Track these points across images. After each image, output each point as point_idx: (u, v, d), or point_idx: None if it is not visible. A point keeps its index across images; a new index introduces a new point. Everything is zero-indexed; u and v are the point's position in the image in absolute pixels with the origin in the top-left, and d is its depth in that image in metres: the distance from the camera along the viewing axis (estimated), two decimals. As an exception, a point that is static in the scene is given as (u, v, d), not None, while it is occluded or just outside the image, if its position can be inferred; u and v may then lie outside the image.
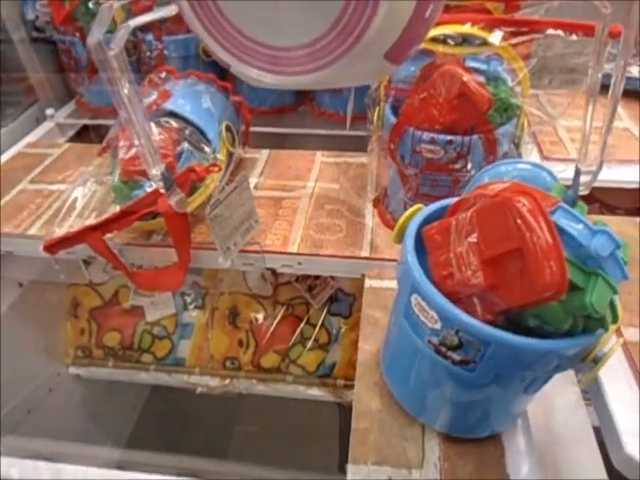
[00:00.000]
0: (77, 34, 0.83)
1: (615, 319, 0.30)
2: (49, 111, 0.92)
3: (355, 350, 0.49)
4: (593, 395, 0.37)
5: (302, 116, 0.90)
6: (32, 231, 0.64)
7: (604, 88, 0.82)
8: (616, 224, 0.49)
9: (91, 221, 0.61)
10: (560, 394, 0.61)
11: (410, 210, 0.39)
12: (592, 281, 0.28)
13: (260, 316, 0.88)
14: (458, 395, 0.36)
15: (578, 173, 0.33)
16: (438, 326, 0.32)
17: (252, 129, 0.77)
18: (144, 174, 0.55)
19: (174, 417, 1.07)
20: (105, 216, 0.57)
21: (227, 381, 0.88)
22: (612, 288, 0.28)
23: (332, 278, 0.86)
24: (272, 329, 0.86)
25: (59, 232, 0.61)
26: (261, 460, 0.99)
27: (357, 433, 0.41)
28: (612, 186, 0.62)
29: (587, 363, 0.31)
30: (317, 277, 0.88)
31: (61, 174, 0.75)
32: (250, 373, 0.87)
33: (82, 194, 0.65)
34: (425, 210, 0.38)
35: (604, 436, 0.34)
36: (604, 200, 0.85)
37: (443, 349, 0.32)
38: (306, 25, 0.24)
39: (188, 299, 0.91)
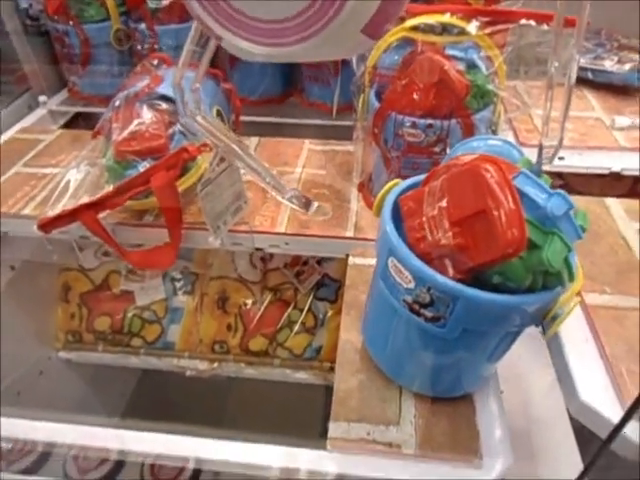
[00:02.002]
0: (70, 23, 0.84)
1: (571, 277, 0.33)
2: (42, 98, 0.93)
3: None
4: (553, 350, 0.40)
5: (291, 107, 0.93)
6: (26, 211, 0.66)
7: (578, 80, 0.86)
8: (584, 203, 0.52)
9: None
10: (536, 376, 0.64)
11: (389, 184, 0.42)
12: (549, 239, 0.30)
13: (249, 301, 0.90)
14: (431, 354, 0.39)
15: (541, 148, 0.36)
16: (412, 285, 0.34)
17: (242, 118, 0.79)
18: (138, 154, 0.57)
19: (164, 402, 1.09)
20: (99, 194, 0.59)
21: (216, 364, 0.90)
22: (567, 246, 0.31)
23: (319, 264, 0.89)
24: (260, 313, 0.88)
25: (52, 212, 0.63)
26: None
27: (338, 395, 0.44)
28: (584, 172, 0.65)
29: (548, 320, 0.34)
30: (305, 263, 0.90)
31: (54, 158, 0.76)
32: (238, 356, 0.89)
33: (75, 176, 0.66)
34: (402, 184, 0.41)
35: (561, 387, 0.37)
36: (581, 190, 0.89)
37: (416, 307, 0.35)
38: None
39: (178, 284, 0.93)
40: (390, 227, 0.37)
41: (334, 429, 0.41)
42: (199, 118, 0.39)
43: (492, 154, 0.39)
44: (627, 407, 0.32)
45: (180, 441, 0.42)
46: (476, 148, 0.40)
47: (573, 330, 0.39)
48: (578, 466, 0.53)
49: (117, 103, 0.60)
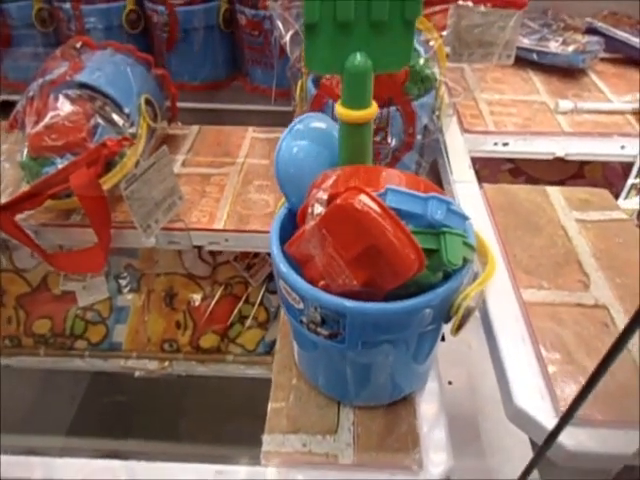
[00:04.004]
0: (-15, 1, 0.77)
1: (473, 249, 0.32)
2: (-40, 86, 0.85)
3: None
4: (490, 350, 0.39)
5: (235, 92, 0.88)
6: (-63, 214, 0.60)
7: (520, 60, 0.84)
8: (525, 192, 0.51)
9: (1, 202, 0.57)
10: (485, 364, 0.63)
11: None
12: (442, 240, 0.30)
13: (198, 297, 0.86)
14: (348, 368, 0.37)
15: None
16: (302, 306, 0.33)
17: (183, 105, 0.75)
18: (54, 150, 0.53)
19: (116, 404, 1.05)
20: (14, 195, 0.54)
21: (166, 363, 0.86)
22: (460, 235, 0.30)
23: (270, 256, 0.86)
24: (210, 309, 0.85)
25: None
26: (209, 440, 0.99)
27: (274, 404, 0.42)
28: (528, 157, 0.64)
29: (454, 314, 0.33)
30: (256, 255, 0.87)
31: (-28, 153, 0.70)
32: (189, 354, 0.86)
33: (-10, 174, 0.61)
34: None
35: (499, 390, 0.36)
36: (530, 173, 0.89)
37: (313, 326, 0.33)
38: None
39: (123, 282, 0.89)
40: (277, 248, 0.35)
41: (268, 442, 0.39)
42: None
43: (316, 138, 0.37)
44: (560, 412, 0.31)
45: (108, 465, 0.39)
46: (302, 132, 0.37)
47: (510, 330, 0.38)
48: (529, 456, 0.53)
49: (30, 93, 0.55)
